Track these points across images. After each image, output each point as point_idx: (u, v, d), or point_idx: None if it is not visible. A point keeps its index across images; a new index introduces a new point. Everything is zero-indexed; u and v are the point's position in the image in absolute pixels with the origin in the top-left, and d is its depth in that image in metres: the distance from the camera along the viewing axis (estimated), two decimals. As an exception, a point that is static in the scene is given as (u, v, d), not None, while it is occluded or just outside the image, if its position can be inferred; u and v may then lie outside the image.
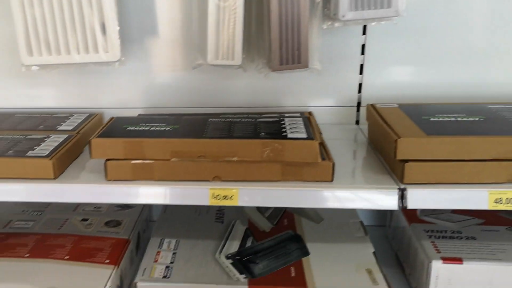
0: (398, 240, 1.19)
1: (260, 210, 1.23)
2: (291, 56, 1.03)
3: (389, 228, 1.28)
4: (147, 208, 1.32)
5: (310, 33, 1.03)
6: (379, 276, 0.97)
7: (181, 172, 0.93)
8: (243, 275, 0.97)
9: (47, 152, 0.98)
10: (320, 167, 0.91)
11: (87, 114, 1.26)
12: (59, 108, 1.32)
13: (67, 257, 1.06)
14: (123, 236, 1.14)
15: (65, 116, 1.24)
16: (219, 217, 1.20)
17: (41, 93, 1.33)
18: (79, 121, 1.20)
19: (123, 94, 1.31)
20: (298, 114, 1.06)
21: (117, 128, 0.98)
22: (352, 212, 1.21)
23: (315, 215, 1.19)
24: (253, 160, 0.91)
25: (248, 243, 1.08)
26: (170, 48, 1.25)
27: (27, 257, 1.07)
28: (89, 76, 1.30)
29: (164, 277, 0.97)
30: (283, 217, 1.19)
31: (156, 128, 0.98)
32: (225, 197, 0.91)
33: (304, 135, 0.92)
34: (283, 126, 0.97)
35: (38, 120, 1.20)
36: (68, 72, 1.28)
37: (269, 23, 1.00)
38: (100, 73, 1.29)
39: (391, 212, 1.29)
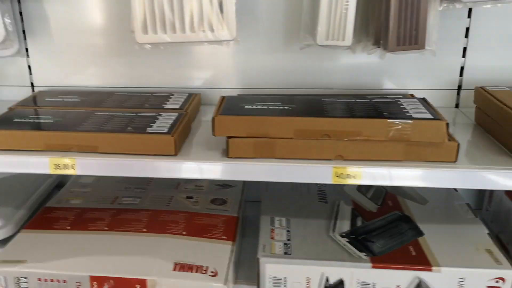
0: (500, 223, 1.18)
1: (361, 191, 1.23)
2: (409, 36, 1.02)
3: (486, 211, 1.28)
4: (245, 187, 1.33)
5: (429, 14, 1.01)
6: (500, 256, 0.97)
7: (303, 151, 0.94)
8: (363, 253, 0.97)
9: (167, 129, 0.99)
10: (445, 148, 0.91)
11: (187, 94, 1.26)
12: (153, 87, 1.35)
13: (184, 233, 1.08)
14: (232, 214, 1.16)
15: (165, 95, 1.25)
16: (322, 198, 1.20)
17: (136, 73, 1.35)
18: (182, 100, 1.21)
19: (218, 74, 1.33)
20: (409, 96, 1.06)
21: (235, 106, 1.00)
22: (455, 194, 1.21)
23: (419, 197, 1.19)
24: (377, 139, 0.91)
25: (359, 223, 1.08)
26: (274, 28, 1.26)
27: (145, 232, 1.09)
28: (184, 56, 1.32)
29: (286, 253, 0.97)
30: (386, 198, 1.19)
31: (274, 107, 0.98)
32: (348, 176, 0.92)
33: (429, 116, 0.91)
34: (403, 106, 0.97)
35: (141, 99, 1.22)
36: (163, 52, 1.29)
37: (387, 2, 0.99)
38: (196, 53, 1.30)
39: (490, 195, 1.28)
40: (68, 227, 1.11)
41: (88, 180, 1.34)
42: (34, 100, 1.24)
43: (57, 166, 0.99)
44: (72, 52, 1.35)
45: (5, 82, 1.39)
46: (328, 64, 1.27)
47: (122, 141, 0.97)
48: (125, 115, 1.08)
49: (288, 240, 1.02)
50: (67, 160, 0.98)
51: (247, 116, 0.94)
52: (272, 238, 1.02)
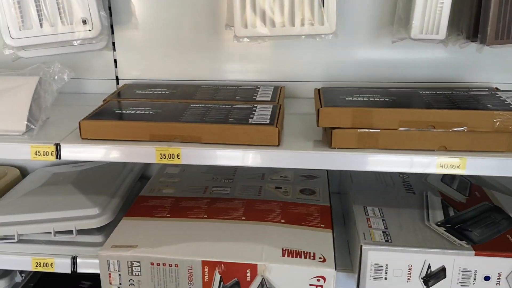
0: None
1: (446, 182, 1.25)
2: (507, 30, 1.03)
3: None
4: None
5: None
6: None
7: (407, 141, 0.96)
8: (464, 242, 0.99)
9: (269, 120, 1.02)
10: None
11: (272, 87, 1.29)
12: (237, 81, 1.39)
13: (283, 221, 1.11)
14: (324, 203, 1.19)
15: (251, 88, 1.29)
16: (409, 188, 1.23)
17: (220, 66, 1.39)
18: (270, 92, 1.24)
19: (301, 68, 1.35)
20: (495, 89, 1.09)
21: (336, 98, 1.03)
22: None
23: (506, 189, 1.20)
24: (482, 130, 0.93)
25: (451, 213, 1.10)
26: (360, 23, 1.29)
27: (244, 220, 1.13)
28: (266, 50, 1.35)
29: (386, 241, 1.00)
30: (472, 189, 1.21)
31: (375, 99, 1.00)
32: (452, 166, 0.94)
33: (534, 107, 0.93)
34: (503, 99, 0.99)
35: (229, 91, 1.26)
36: (245, 46, 1.32)
37: (488, -3, 1.01)
38: (282, 47, 1.33)
39: None
40: (168, 215, 1.15)
41: (174, 171, 1.39)
42: (124, 92, 1.28)
43: (162, 156, 1.03)
44: (157, 46, 1.39)
45: (91, 75, 1.44)
46: (413, 58, 1.29)
47: (225, 131, 1.01)
48: (221, 107, 1.11)
49: (386, 228, 1.04)
50: (172, 150, 1.02)
51: (353, 108, 0.96)
52: (370, 227, 1.05)
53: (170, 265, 1.00)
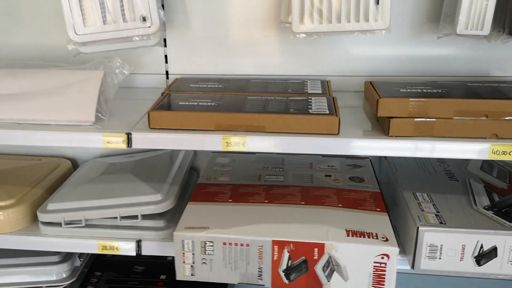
0: None
1: (485, 170, 1.33)
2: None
3: None
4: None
5: None
6: None
7: (460, 130, 1.04)
8: (513, 223, 1.07)
9: (328, 111, 1.10)
10: None
11: (319, 81, 1.37)
12: (282, 75, 1.47)
13: (340, 205, 1.19)
14: (374, 190, 1.27)
15: (299, 82, 1.37)
16: (451, 176, 1.31)
17: (266, 61, 1.47)
18: (318, 86, 1.32)
19: (345, 63, 1.44)
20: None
21: (391, 90, 1.11)
22: None
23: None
24: (532, 119, 1.01)
25: (496, 198, 1.18)
26: (404, 19, 1.36)
27: (303, 204, 1.20)
28: (311, 46, 1.42)
29: (441, 223, 1.08)
30: (511, 177, 1.29)
31: (429, 91, 1.08)
32: (503, 153, 1.02)
33: None
34: (549, 90, 1.06)
35: (280, 85, 1.34)
36: (292, 42, 1.40)
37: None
38: (325, 43, 1.41)
39: None
40: (230, 200, 1.22)
41: (224, 161, 1.46)
42: (179, 86, 1.36)
43: (228, 144, 1.10)
44: (205, 42, 1.47)
45: (142, 70, 1.51)
46: (455, 53, 1.38)
47: (288, 121, 1.08)
48: (278, 99, 1.19)
49: (438, 212, 1.12)
50: (237, 139, 1.09)
51: (410, 98, 1.04)
52: (423, 211, 1.12)
53: (241, 244, 1.08)
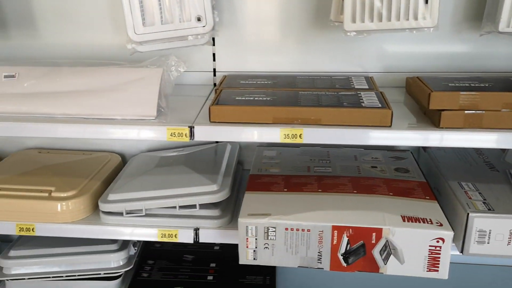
0: None
1: (521, 160, 1.40)
2: None
3: None
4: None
5: None
6: None
7: (508, 121, 1.11)
8: None
9: (380, 104, 1.17)
10: None
11: (363, 77, 1.45)
12: (325, 72, 1.54)
13: (391, 193, 1.26)
14: (420, 180, 1.34)
15: (344, 78, 1.44)
16: (491, 167, 1.37)
17: (310, 59, 1.54)
18: (364, 82, 1.39)
19: (385, 60, 1.51)
20: None
21: (439, 84, 1.17)
22: None
23: None
24: None
25: (542, 188, 1.25)
26: (445, 17, 1.42)
27: (356, 193, 1.27)
28: (352, 43, 1.50)
29: (489, 209, 1.15)
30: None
31: (476, 85, 1.15)
32: (550, 142, 1.08)
33: None
34: None
35: (326, 81, 1.41)
36: (336, 39, 1.48)
37: None
38: (368, 40, 1.47)
39: None
40: (285, 189, 1.29)
41: (271, 154, 1.54)
42: (230, 82, 1.43)
43: (286, 136, 1.18)
44: (252, 41, 1.54)
45: (191, 68, 1.58)
46: (494, 50, 1.45)
47: (344, 114, 1.16)
48: (329, 94, 1.26)
49: (485, 200, 1.19)
50: (295, 131, 1.17)
51: (460, 92, 1.11)
52: (470, 198, 1.19)
53: (303, 230, 1.15)
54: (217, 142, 1.61)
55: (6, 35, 1.58)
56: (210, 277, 1.51)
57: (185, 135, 1.19)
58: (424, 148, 1.48)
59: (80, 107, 1.26)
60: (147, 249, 1.64)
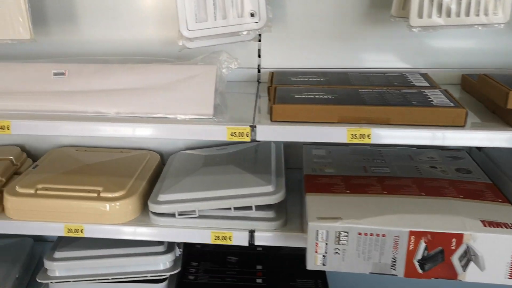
0: None
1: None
2: None
3: None
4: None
5: None
6: None
7: None
8: None
9: (452, 103, 1.12)
10: None
11: (417, 73, 1.40)
12: (376, 68, 1.50)
13: (461, 196, 1.21)
14: (485, 181, 1.30)
15: (398, 74, 1.40)
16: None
17: (358, 55, 1.51)
18: (419, 78, 1.35)
19: (439, 56, 1.47)
20: None
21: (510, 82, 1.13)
22: None
23: None
24: None
25: None
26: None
27: (424, 195, 1.23)
28: (404, 40, 1.47)
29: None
30: None
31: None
32: None
33: None
34: None
35: (381, 78, 1.36)
36: (389, 35, 1.43)
37: None
38: (420, 36, 1.44)
39: None
40: (347, 191, 1.25)
41: (321, 153, 1.49)
42: (280, 79, 1.38)
43: (353, 136, 1.13)
44: (298, 37, 1.50)
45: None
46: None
47: (414, 113, 1.11)
48: (391, 92, 1.22)
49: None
50: (363, 131, 1.12)
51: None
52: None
53: (377, 235, 1.10)
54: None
55: (46, 31, 1.53)
56: (259, 280, 1.46)
57: (246, 135, 1.15)
58: (479, 147, 1.44)
59: (135, 106, 1.22)
60: (188, 250, 1.58)
